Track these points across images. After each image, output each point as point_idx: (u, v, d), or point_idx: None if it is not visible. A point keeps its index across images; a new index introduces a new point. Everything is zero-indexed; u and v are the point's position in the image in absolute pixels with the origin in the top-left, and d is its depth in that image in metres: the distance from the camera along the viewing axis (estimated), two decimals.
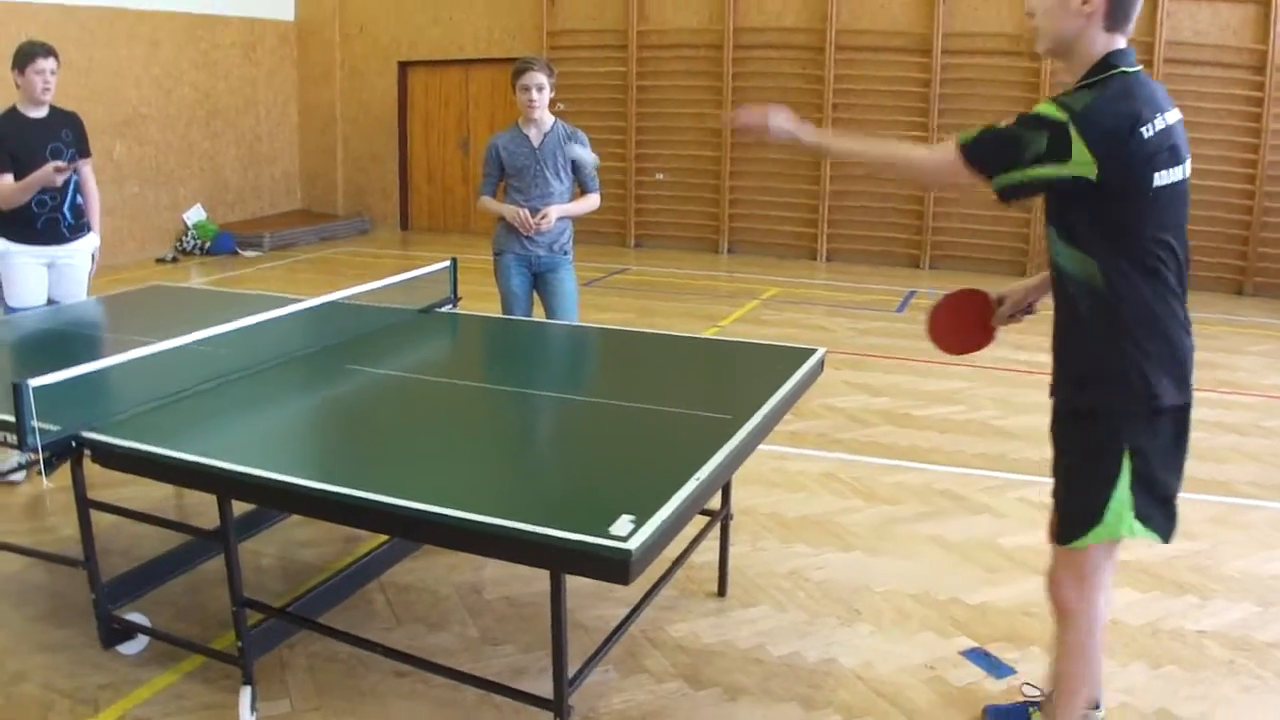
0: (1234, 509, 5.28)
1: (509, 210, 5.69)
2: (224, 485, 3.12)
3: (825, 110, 12.42)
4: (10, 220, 5.56)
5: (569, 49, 13.47)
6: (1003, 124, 2.75)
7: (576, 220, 5.95)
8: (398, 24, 15.00)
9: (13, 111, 5.59)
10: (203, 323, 4.00)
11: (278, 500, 3.13)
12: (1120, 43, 2.77)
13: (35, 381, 3.15)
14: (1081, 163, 2.62)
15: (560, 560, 2.56)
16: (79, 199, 5.78)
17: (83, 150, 5.83)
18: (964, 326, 3.54)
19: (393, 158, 15.58)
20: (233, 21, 14.38)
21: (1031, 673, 3.71)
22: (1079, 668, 3.13)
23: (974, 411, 6.74)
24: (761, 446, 3.53)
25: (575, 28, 13.69)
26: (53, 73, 5.53)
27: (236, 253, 13.52)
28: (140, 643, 3.90)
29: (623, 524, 2.48)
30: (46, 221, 5.61)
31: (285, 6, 15.47)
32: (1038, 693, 3.50)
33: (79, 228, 5.79)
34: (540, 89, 5.60)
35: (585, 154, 5.69)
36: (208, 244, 13.52)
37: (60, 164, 5.38)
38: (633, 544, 2.40)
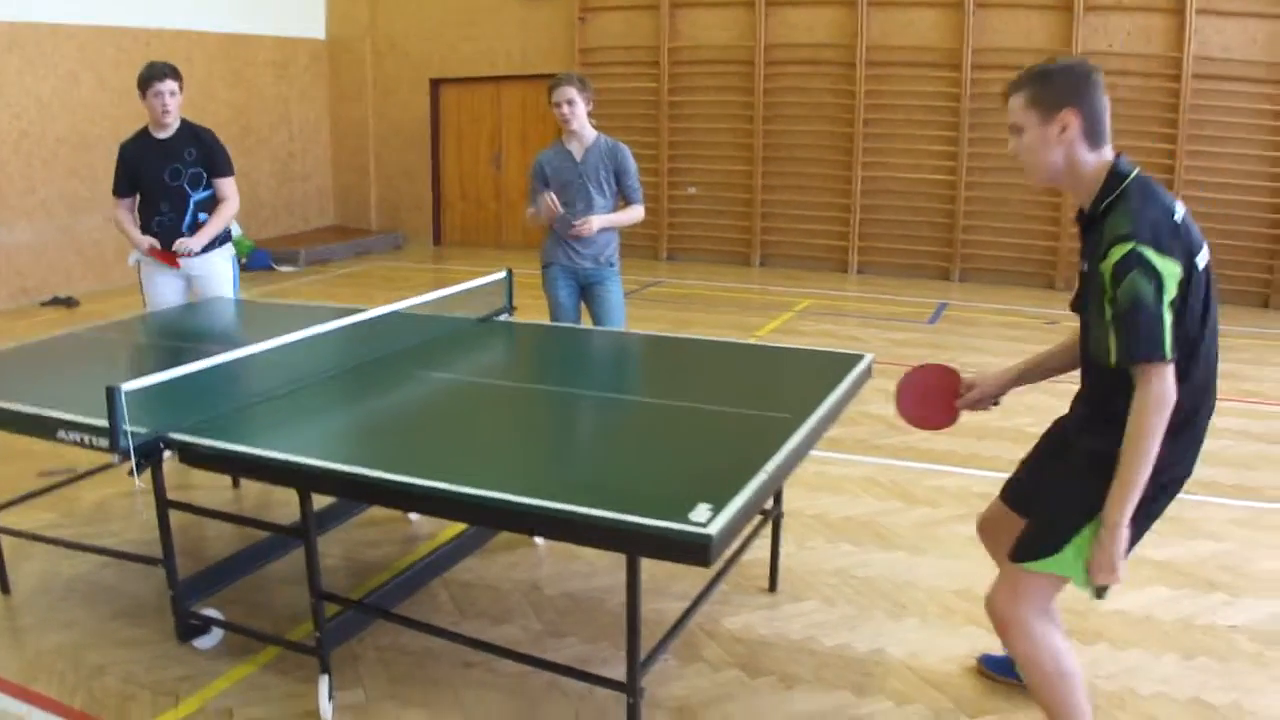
0: (1261, 513, 5.41)
1: (544, 202, 5.75)
2: (308, 480, 3.29)
3: (856, 125, 12.63)
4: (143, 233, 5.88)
5: (601, 65, 13.62)
6: (1123, 306, 2.62)
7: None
8: (429, 41, 15.19)
9: (142, 133, 5.91)
10: (266, 333, 4.14)
11: (363, 492, 3.28)
12: (1109, 154, 2.82)
13: (128, 386, 3.32)
14: (1173, 274, 2.63)
15: (642, 545, 2.73)
16: (201, 217, 5.92)
17: (214, 169, 5.99)
18: (930, 402, 3.71)
19: (425, 173, 15.78)
20: (265, 40, 14.63)
21: None
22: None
23: (1009, 419, 6.77)
24: None
25: (607, 45, 13.86)
26: (172, 94, 5.80)
27: (272, 268, 13.73)
28: (215, 637, 4.05)
29: (701, 511, 2.66)
30: (164, 239, 5.83)
31: (317, 25, 15.71)
32: None
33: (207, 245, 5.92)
34: (571, 103, 5.74)
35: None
36: (244, 260, 13.66)
37: (155, 247, 5.74)
38: (712, 529, 2.58)
